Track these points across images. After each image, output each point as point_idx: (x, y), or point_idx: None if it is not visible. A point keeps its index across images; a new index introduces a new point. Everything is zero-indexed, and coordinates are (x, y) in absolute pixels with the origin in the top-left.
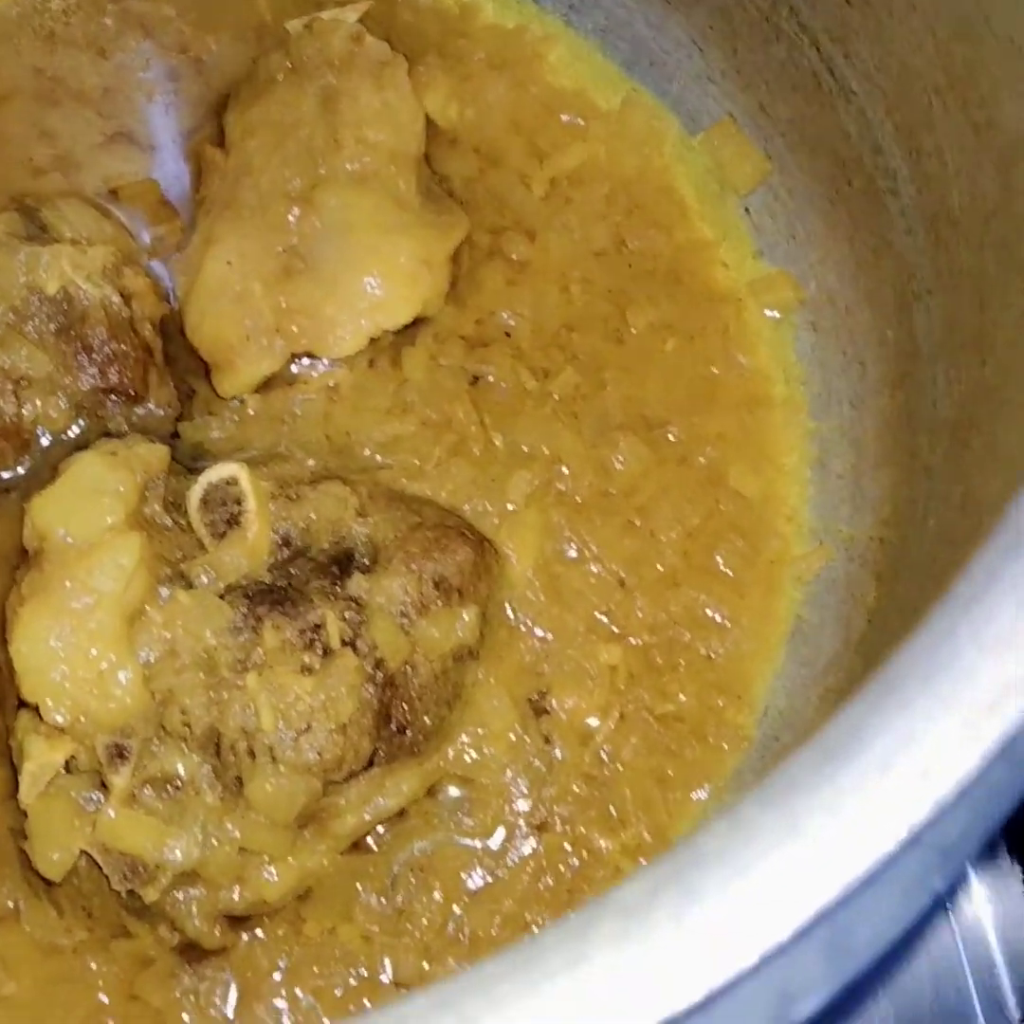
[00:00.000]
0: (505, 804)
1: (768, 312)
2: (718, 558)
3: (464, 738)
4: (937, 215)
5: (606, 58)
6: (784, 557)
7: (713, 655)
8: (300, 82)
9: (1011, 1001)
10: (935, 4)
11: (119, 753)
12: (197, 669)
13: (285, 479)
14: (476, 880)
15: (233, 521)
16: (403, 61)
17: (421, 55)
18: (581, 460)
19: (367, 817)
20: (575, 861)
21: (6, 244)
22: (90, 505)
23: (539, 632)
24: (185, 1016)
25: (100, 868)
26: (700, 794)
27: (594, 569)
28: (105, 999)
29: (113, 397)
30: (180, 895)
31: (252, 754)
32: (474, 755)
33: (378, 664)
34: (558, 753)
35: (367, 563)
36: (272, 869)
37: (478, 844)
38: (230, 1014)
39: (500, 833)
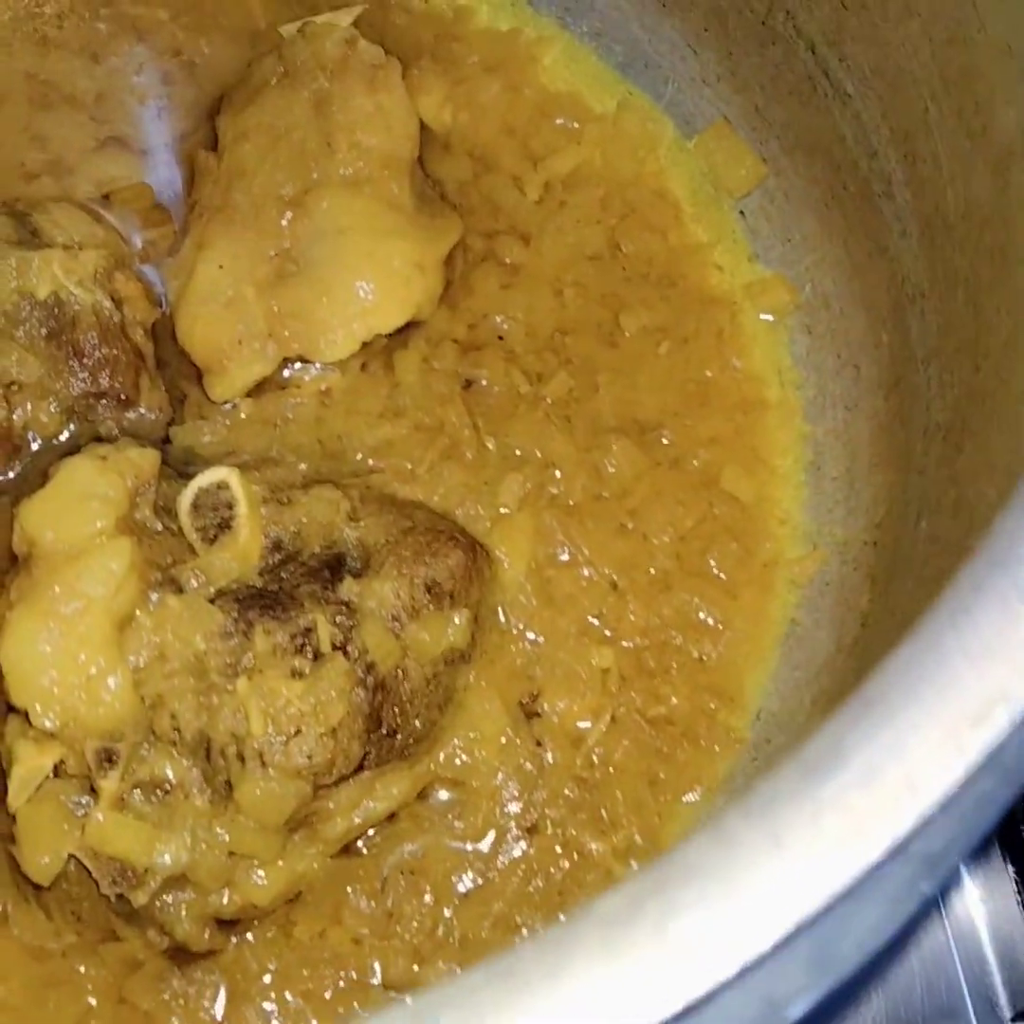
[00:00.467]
0: (496, 807)
1: (763, 315)
2: (711, 561)
3: (455, 741)
4: (932, 219)
5: (601, 61)
6: (778, 560)
7: (705, 658)
8: (293, 86)
9: (1002, 998)
10: (931, 9)
11: (108, 757)
12: (187, 674)
13: (276, 483)
14: (466, 883)
15: (224, 525)
16: (397, 65)
17: (415, 59)
18: (574, 463)
19: (357, 821)
20: (566, 863)
21: None
22: (80, 510)
23: (531, 635)
24: (174, 1019)
25: (89, 872)
26: (692, 797)
27: (586, 572)
28: (94, 1002)
29: (104, 401)
30: (169, 899)
31: (242, 758)
32: (465, 758)
33: (369, 668)
34: (549, 756)
35: (358, 567)
36: (261, 873)
37: (468, 847)
38: (219, 1017)
39: (490, 836)
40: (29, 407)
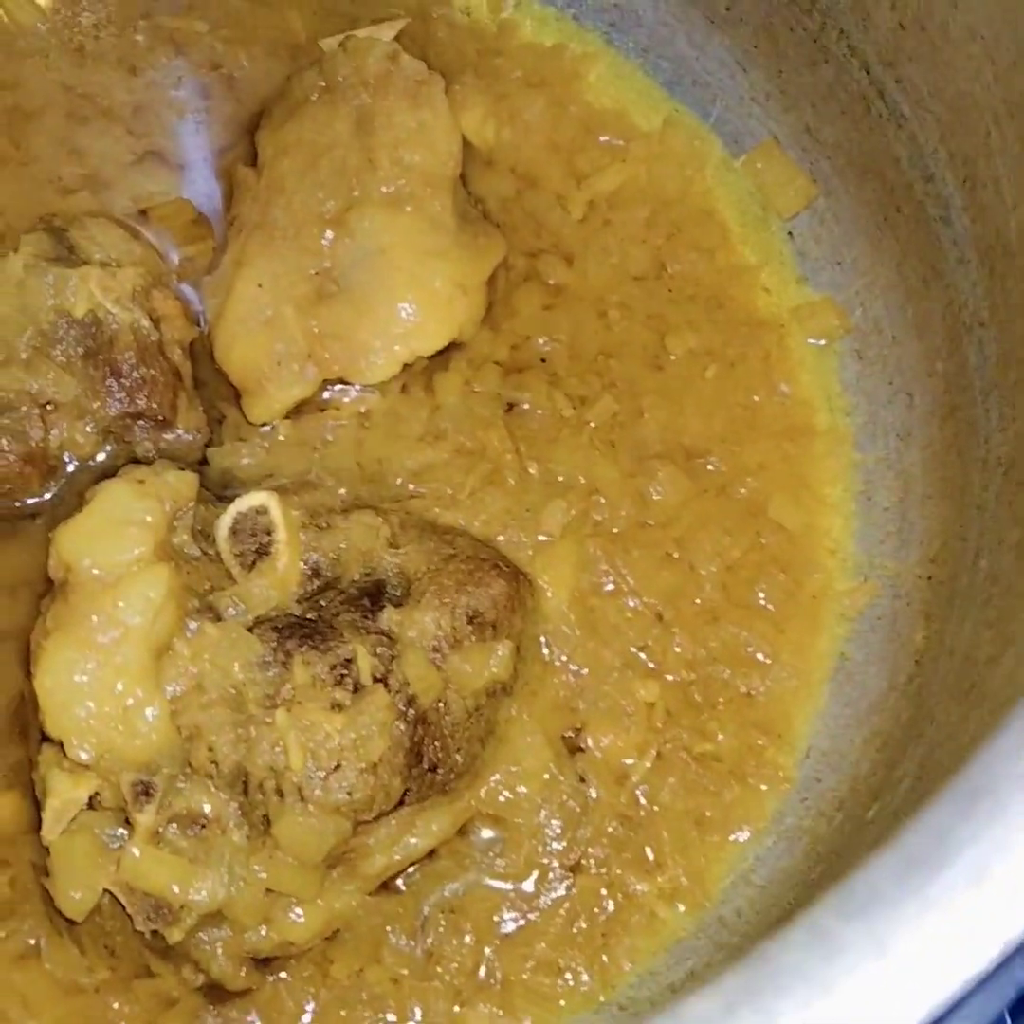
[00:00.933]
0: (538, 845)
1: (812, 340)
2: (759, 592)
3: (497, 776)
4: (992, 246)
5: (647, 77)
6: (827, 592)
7: (753, 693)
8: (334, 101)
9: None
10: (995, 32)
11: (144, 790)
12: (225, 705)
13: (316, 508)
14: (508, 923)
15: (263, 551)
16: (439, 80)
17: (458, 74)
18: (618, 490)
19: (397, 857)
20: (610, 904)
21: (34, 266)
22: (117, 535)
23: (574, 667)
24: None
25: (124, 907)
26: (739, 836)
27: (631, 603)
28: None
29: (141, 422)
30: (205, 936)
31: (280, 793)
32: (507, 794)
33: (410, 701)
34: (593, 793)
35: (399, 596)
36: (299, 910)
37: (510, 886)
38: None
39: (533, 875)
40: (65, 427)
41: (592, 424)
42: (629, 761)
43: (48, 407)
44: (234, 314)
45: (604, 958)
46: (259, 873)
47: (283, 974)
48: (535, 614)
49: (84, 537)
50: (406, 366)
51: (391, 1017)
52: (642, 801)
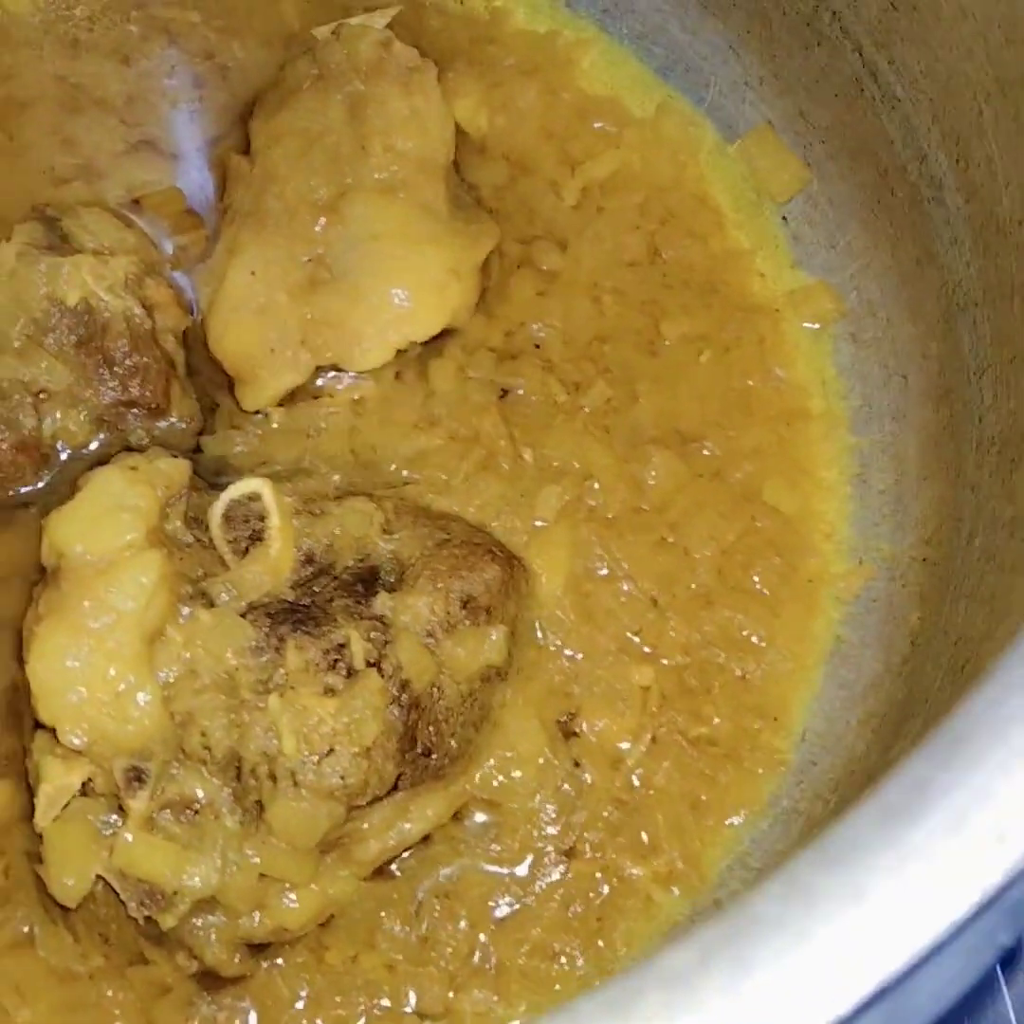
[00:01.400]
0: (533, 829)
1: (806, 324)
2: (754, 576)
3: (491, 761)
4: (985, 226)
5: (640, 64)
6: (822, 575)
7: (748, 676)
8: (327, 89)
9: None
10: (987, 10)
11: (137, 776)
12: (218, 690)
13: (309, 495)
14: (503, 908)
15: (256, 538)
16: (432, 67)
17: (450, 61)
18: (613, 475)
19: (391, 843)
20: (605, 889)
21: (26, 255)
22: (109, 522)
23: (569, 652)
24: None
25: (117, 894)
26: (735, 820)
27: (625, 587)
28: None
29: (134, 410)
30: (199, 922)
31: (273, 778)
32: (501, 779)
33: (403, 685)
34: (588, 777)
35: (392, 581)
36: (293, 896)
37: (505, 871)
38: None
39: (528, 859)
40: (58, 416)
41: (586, 410)
42: (624, 745)
43: (41, 396)
44: (227, 302)
45: (599, 942)
46: (252, 858)
47: (277, 960)
48: (529, 599)
49: (76, 523)
50: (400, 353)
51: (386, 1002)
52: (637, 785)
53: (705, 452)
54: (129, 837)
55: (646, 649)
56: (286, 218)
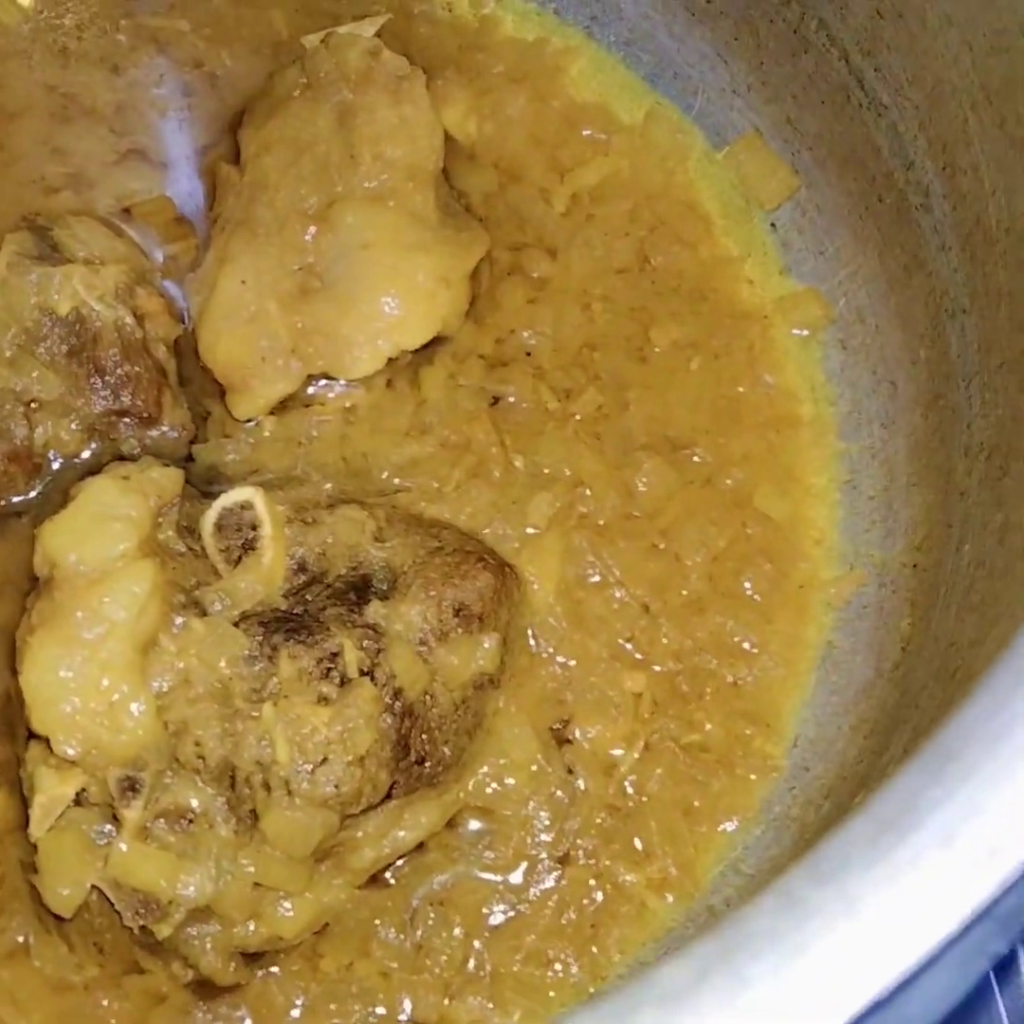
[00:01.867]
0: (527, 836)
1: (795, 330)
2: (745, 582)
3: (484, 769)
4: (972, 233)
5: (629, 71)
6: (813, 581)
7: (740, 682)
8: (316, 98)
9: None
10: (972, 18)
11: (131, 786)
12: (211, 699)
13: (301, 503)
14: (497, 915)
15: (248, 546)
16: (421, 75)
17: (439, 69)
18: (604, 482)
19: (385, 851)
20: (599, 895)
21: (17, 264)
22: (102, 531)
23: (561, 659)
24: None
25: (112, 903)
26: (728, 826)
27: (617, 594)
28: None
29: (126, 419)
30: (194, 931)
31: (267, 787)
32: (495, 786)
33: (397, 694)
34: (581, 784)
35: (385, 589)
36: (288, 904)
37: (499, 878)
38: None
39: (522, 866)
40: (50, 425)
41: (577, 417)
42: (617, 752)
43: (32, 405)
44: (218, 311)
45: (593, 949)
46: (247, 867)
47: (272, 969)
48: (521, 606)
49: (69, 533)
50: (390, 361)
51: (380, 1010)
52: (630, 792)
53: (695, 459)
54: (124, 847)
55: (638, 656)
56: (276, 227)
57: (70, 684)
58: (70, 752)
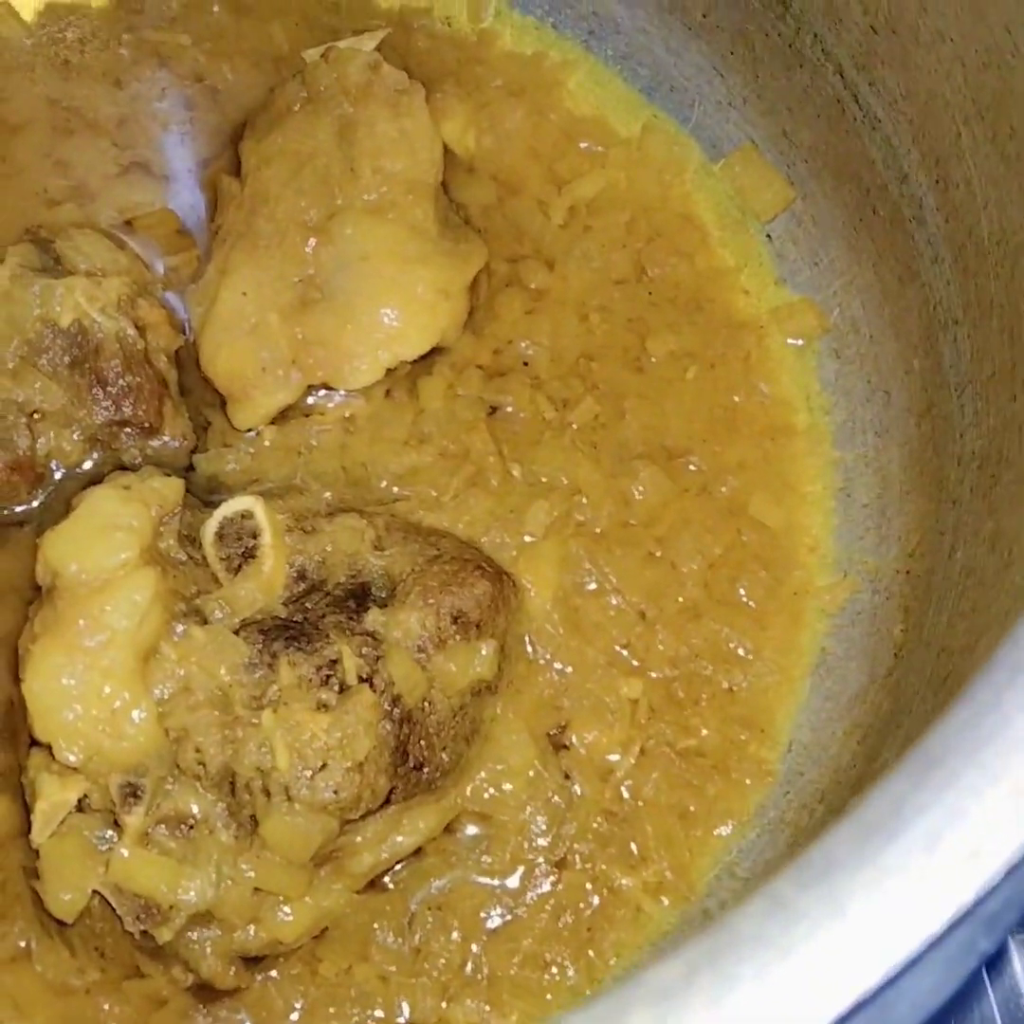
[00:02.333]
0: (524, 841)
1: (790, 340)
2: (740, 589)
3: (482, 774)
4: (965, 245)
5: (626, 84)
6: (808, 588)
7: (735, 688)
8: (316, 111)
9: None
10: (964, 34)
11: (132, 792)
12: (212, 706)
13: (301, 512)
14: (495, 919)
15: (248, 555)
16: (420, 89)
17: (438, 83)
18: (600, 490)
19: (384, 855)
20: (595, 899)
21: (20, 276)
22: (103, 541)
23: (558, 666)
24: None
25: (113, 908)
26: (723, 830)
27: (614, 601)
28: None
29: (128, 430)
30: (194, 935)
31: (267, 793)
32: (492, 791)
33: (395, 700)
34: (578, 789)
35: (384, 597)
36: (287, 909)
37: (496, 882)
38: None
39: (519, 871)
40: (52, 436)
41: (574, 426)
42: (613, 757)
43: (35, 416)
44: (219, 322)
45: (590, 952)
46: (247, 872)
47: (272, 973)
48: (519, 613)
49: (71, 542)
50: (389, 371)
51: (379, 1014)
52: (626, 797)
53: (691, 467)
54: (125, 852)
55: (634, 662)
56: (277, 239)
57: (72, 691)
58: (72, 759)
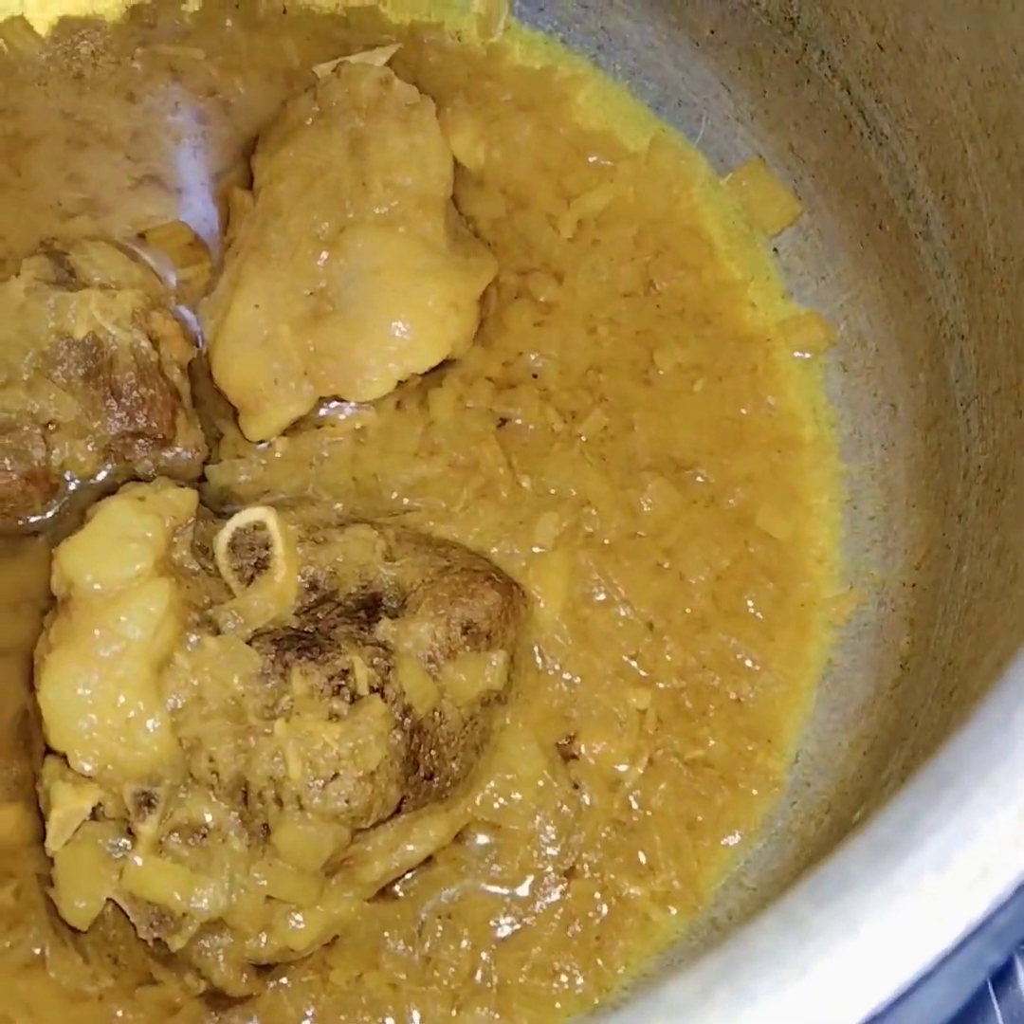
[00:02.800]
0: (533, 850)
1: (797, 353)
2: (748, 601)
3: (492, 784)
4: (971, 261)
5: (634, 99)
6: (815, 600)
7: (743, 699)
8: (328, 126)
9: None
10: (971, 53)
11: (146, 801)
12: (225, 716)
13: (313, 523)
14: (504, 927)
15: (261, 565)
16: (431, 104)
17: (449, 97)
18: (609, 502)
19: (395, 864)
20: (604, 908)
21: (35, 289)
22: (118, 551)
23: (567, 676)
24: None
25: (127, 916)
26: (730, 840)
27: (622, 612)
28: None
29: (141, 441)
30: (207, 943)
31: (279, 802)
32: (502, 801)
33: (406, 710)
34: (587, 799)
35: (395, 607)
36: (299, 917)
37: (506, 891)
38: None
39: (528, 880)
40: (67, 447)
41: (583, 438)
42: (622, 767)
43: (50, 427)
44: (231, 334)
45: (598, 961)
46: (259, 881)
47: (283, 980)
48: (528, 624)
49: (86, 553)
50: (400, 383)
51: (389, 1021)
52: (635, 806)
53: (699, 479)
54: (139, 860)
55: (643, 673)
56: (289, 252)
57: (87, 701)
58: (87, 768)
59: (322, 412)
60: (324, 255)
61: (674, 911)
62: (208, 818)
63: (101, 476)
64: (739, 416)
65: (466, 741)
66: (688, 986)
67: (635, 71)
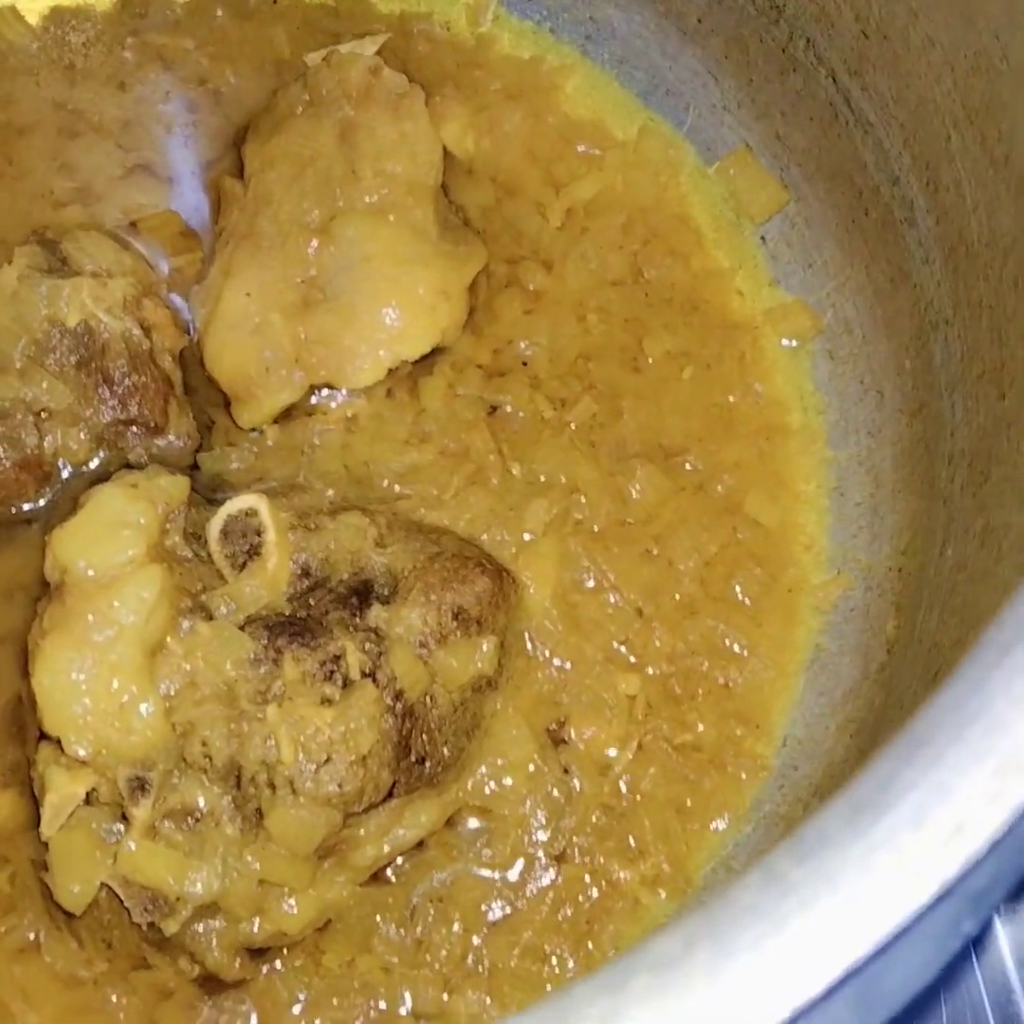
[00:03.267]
0: (524, 835)
1: (785, 341)
2: (736, 587)
3: (483, 769)
4: (955, 247)
5: (622, 88)
6: (802, 585)
7: (731, 684)
8: (318, 114)
9: None
10: (953, 39)
11: (140, 785)
12: (217, 701)
13: (304, 510)
14: (495, 911)
15: (253, 552)
16: (420, 92)
17: (438, 86)
18: (598, 489)
19: (386, 848)
20: (594, 892)
21: (27, 277)
22: (111, 538)
23: (557, 662)
24: None
25: (121, 900)
26: (719, 824)
27: (612, 598)
28: None
29: (133, 429)
30: (200, 927)
31: (272, 786)
32: (493, 786)
33: (398, 695)
34: (577, 783)
35: (386, 593)
36: (292, 901)
37: (497, 875)
38: None
39: (519, 864)
40: (59, 434)
41: (572, 425)
42: (611, 752)
43: (42, 415)
44: (223, 322)
45: (589, 944)
46: (252, 865)
47: (276, 964)
48: (519, 610)
49: (79, 540)
50: (391, 371)
51: (382, 1004)
52: (624, 791)
53: (688, 466)
54: (132, 845)
55: (632, 658)
56: (280, 240)
57: (81, 686)
58: (81, 752)
59: (313, 400)
60: (315, 243)
61: (663, 894)
62: (201, 802)
63: (94, 464)
64: (727, 403)
65: (457, 726)
66: (672, 941)
67: (623, 60)
